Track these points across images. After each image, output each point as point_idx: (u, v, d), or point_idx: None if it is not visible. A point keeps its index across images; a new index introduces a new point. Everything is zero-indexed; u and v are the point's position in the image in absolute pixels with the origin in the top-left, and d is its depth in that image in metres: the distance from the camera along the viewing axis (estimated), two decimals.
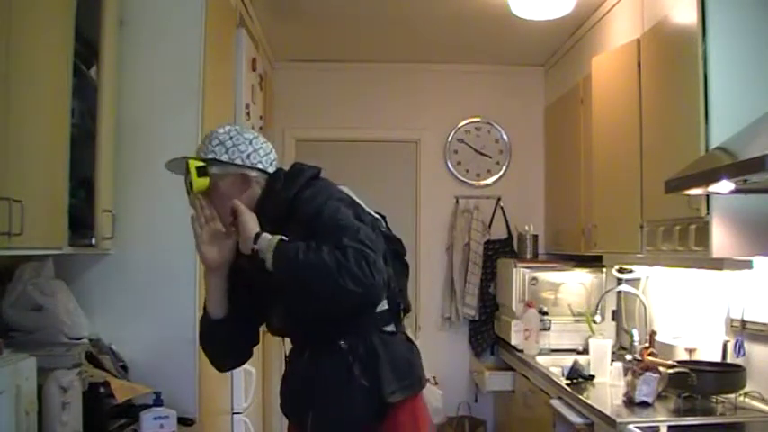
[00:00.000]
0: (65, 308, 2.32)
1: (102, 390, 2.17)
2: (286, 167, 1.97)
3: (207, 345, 1.92)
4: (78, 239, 2.24)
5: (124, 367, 2.48)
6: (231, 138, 1.84)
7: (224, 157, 1.81)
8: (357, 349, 1.78)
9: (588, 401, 2.80)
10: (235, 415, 3.26)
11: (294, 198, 1.81)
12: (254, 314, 1.91)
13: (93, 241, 2.30)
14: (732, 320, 2.83)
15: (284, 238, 1.69)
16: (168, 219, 2.61)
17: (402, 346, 1.87)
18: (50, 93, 2.02)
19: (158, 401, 2.29)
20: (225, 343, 1.89)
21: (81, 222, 2.26)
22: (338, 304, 1.68)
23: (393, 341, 1.84)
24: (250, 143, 1.86)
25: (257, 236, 1.70)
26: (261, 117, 3.95)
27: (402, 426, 1.82)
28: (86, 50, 2.36)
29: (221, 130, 1.85)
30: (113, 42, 2.46)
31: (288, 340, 1.96)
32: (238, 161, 1.82)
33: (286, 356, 1.97)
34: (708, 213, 2.42)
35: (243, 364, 2.03)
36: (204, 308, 1.86)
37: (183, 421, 2.41)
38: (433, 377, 4.15)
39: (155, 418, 2.25)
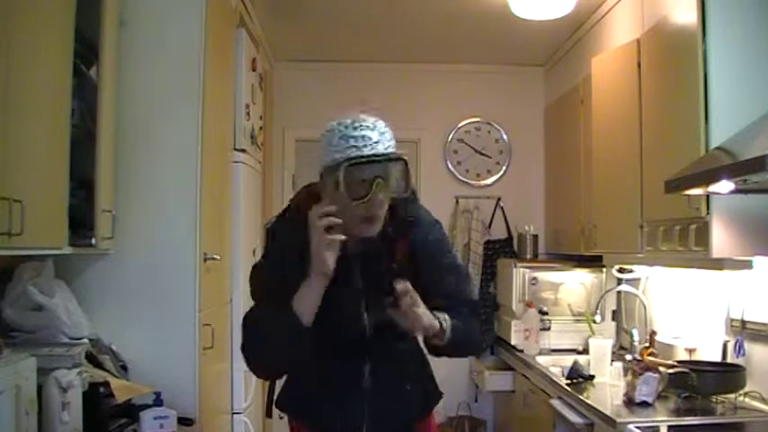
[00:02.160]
0: (65, 308, 2.31)
1: (102, 390, 2.17)
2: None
3: (284, 351, 1.72)
4: (78, 239, 2.23)
5: (124, 367, 2.48)
6: (390, 131, 1.72)
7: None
8: (414, 352, 1.88)
9: (588, 401, 2.80)
10: (235, 415, 3.26)
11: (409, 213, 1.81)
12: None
13: (93, 241, 2.30)
14: (732, 320, 2.83)
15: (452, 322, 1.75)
16: (168, 219, 2.61)
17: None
18: (50, 93, 2.02)
19: (158, 401, 2.29)
20: (300, 353, 1.72)
21: (81, 222, 2.26)
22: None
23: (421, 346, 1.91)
24: None
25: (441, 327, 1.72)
26: (261, 117, 3.95)
27: (431, 427, 1.95)
28: (86, 50, 2.36)
29: (381, 122, 1.70)
30: (113, 42, 2.46)
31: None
32: None
33: (312, 365, 1.82)
34: (708, 213, 2.42)
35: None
36: (290, 316, 1.68)
37: (183, 421, 2.41)
38: None
39: (155, 418, 2.26)
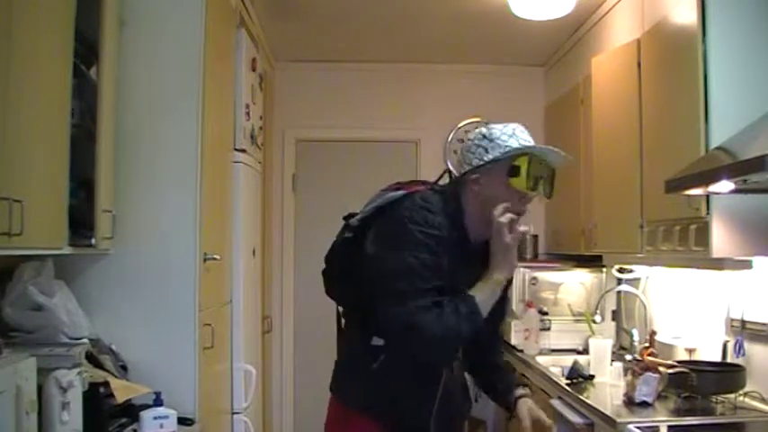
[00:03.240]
0: (65, 308, 2.31)
1: (102, 390, 2.16)
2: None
3: (459, 341, 1.79)
4: (78, 239, 2.23)
5: (124, 367, 2.48)
6: None
7: None
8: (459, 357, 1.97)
9: (588, 401, 2.80)
10: (235, 415, 3.26)
11: None
12: None
13: (93, 241, 2.29)
14: (732, 320, 2.83)
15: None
16: (168, 219, 2.61)
17: None
18: (50, 93, 2.02)
19: (158, 401, 2.29)
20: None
21: (81, 222, 2.26)
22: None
23: None
24: None
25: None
26: (261, 117, 3.95)
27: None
28: (86, 50, 2.35)
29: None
30: (113, 42, 2.46)
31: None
32: None
33: (390, 360, 1.84)
34: (708, 213, 2.42)
35: None
36: (478, 317, 1.74)
37: (183, 421, 2.41)
38: None
39: (155, 418, 2.25)
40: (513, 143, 1.80)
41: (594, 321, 3.72)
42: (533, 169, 1.78)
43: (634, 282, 3.70)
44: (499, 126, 1.83)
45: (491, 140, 1.81)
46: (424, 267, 1.68)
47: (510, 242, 1.77)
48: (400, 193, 1.83)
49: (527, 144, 1.80)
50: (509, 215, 1.75)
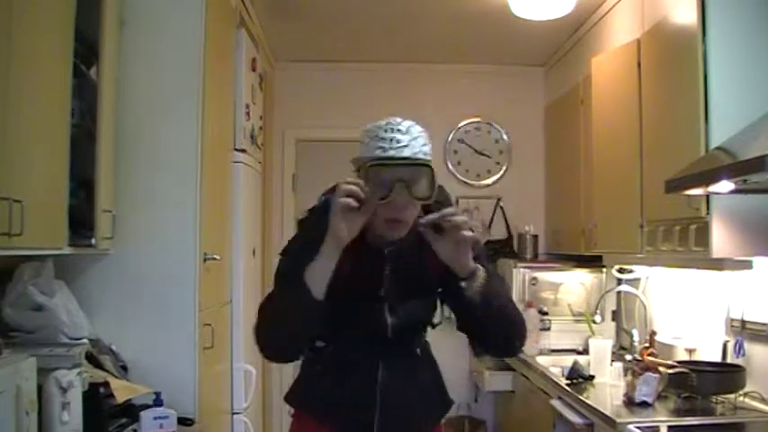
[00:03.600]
0: (65, 308, 2.31)
1: (102, 390, 2.17)
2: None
3: (291, 328, 1.69)
4: (78, 239, 2.23)
5: (124, 367, 2.48)
6: (426, 136, 1.71)
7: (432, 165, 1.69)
8: (428, 356, 1.92)
9: (588, 401, 2.80)
10: (235, 415, 3.26)
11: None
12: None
13: (93, 241, 2.29)
14: (732, 320, 2.83)
15: (488, 274, 1.69)
16: (168, 219, 2.61)
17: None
18: (50, 93, 2.02)
19: (158, 401, 2.29)
20: (314, 328, 1.71)
21: (81, 222, 2.26)
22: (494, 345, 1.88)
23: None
24: None
25: (474, 271, 1.66)
26: (261, 117, 3.95)
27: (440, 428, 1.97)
28: (86, 50, 2.36)
29: (417, 126, 1.70)
30: (113, 42, 2.46)
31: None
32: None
33: (328, 359, 1.85)
34: (708, 213, 2.42)
35: (298, 359, 1.87)
36: (301, 288, 1.64)
37: (183, 421, 2.41)
38: None
39: (155, 418, 2.25)
40: (369, 147, 1.66)
41: (594, 321, 3.72)
42: (379, 177, 1.61)
43: (634, 282, 3.70)
44: (379, 122, 1.69)
45: (361, 139, 1.70)
46: (289, 270, 1.71)
47: (334, 207, 1.61)
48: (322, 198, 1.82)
49: (381, 147, 1.64)
50: (349, 188, 1.59)
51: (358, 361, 1.82)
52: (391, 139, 1.65)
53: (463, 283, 1.66)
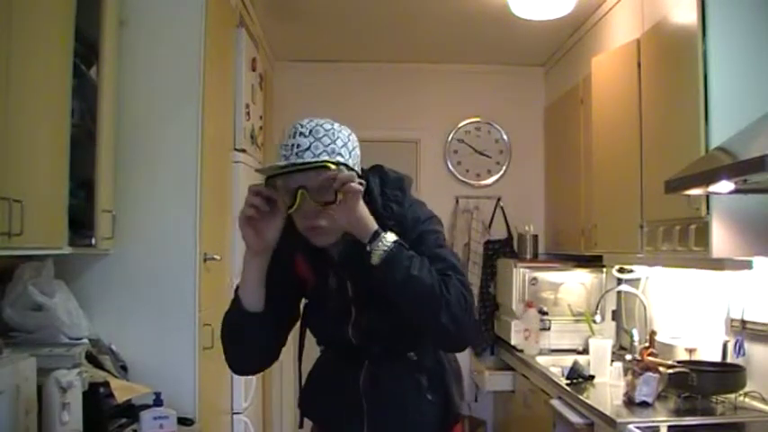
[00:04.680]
0: (65, 308, 2.32)
1: (102, 390, 2.17)
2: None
3: (233, 342, 1.69)
4: (78, 239, 2.24)
5: (124, 367, 2.48)
6: (351, 140, 1.63)
7: (350, 162, 1.60)
8: (425, 361, 1.76)
9: (588, 401, 2.80)
10: (235, 415, 3.26)
11: (385, 208, 1.67)
12: (288, 315, 1.77)
13: (93, 241, 2.30)
14: (732, 320, 2.83)
15: (400, 242, 1.55)
16: (168, 219, 2.61)
17: (456, 359, 1.86)
18: (50, 93, 2.02)
19: (158, 401, 2.28)
20: (256, 341, 1.68)
21: (81, 222, 2.26)
22: (428, 333, 1.63)
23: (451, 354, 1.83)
24: (358, 145, 1.67)
25: (376, 234, 1.53)
26: (261, 117, 3.95)
27: None
28: (86, 50, 2.36)
29: (341, 129, 1.62)
30: (113, 42, 2.46)
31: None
32: (357, 168, 1.64)
33: (322, 365, 1.85)
34: (708, 213, 2.42)
35: (268, 367, 1.82)
36: (236, 300, 1.65)
37: (183, 421, 2.41)
38: None
39: (155, 418, 2.25)
40: (277, 154, 1.61)
41: (594, 321, 3.72)
42: (284, 186, 1.55)
43: (634, 282, 3.70)
44: (295, 126, 1.63)
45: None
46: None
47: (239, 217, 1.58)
48: None
49: (283, 155, 1.58)
50: (253, 198, 1.54)
51: (342, 368, 1.78)
52: (293, 145, 1.57)
53: (368, 248, 1.53)
